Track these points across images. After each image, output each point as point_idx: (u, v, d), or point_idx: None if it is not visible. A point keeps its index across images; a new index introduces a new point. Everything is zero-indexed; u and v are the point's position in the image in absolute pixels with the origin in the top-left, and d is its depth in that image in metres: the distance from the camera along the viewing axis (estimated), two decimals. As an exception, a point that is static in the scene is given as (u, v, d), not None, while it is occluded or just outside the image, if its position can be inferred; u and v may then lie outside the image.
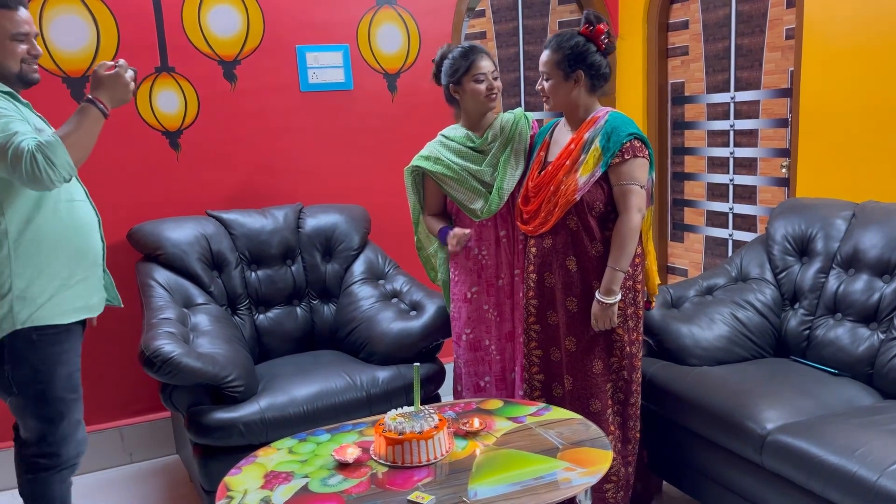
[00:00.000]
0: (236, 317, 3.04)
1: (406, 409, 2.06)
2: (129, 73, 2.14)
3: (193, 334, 2.69)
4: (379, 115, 3.58)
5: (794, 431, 2.14)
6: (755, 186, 3.55)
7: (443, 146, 2.69)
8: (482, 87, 2.59)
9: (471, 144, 2.65)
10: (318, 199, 3.46)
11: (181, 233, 3.00)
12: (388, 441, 1.95)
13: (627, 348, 2.39)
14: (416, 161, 2.70)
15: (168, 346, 2.46)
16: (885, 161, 2.85)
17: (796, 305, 2.77)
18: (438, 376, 2.89)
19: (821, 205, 2.87)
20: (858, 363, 2.51)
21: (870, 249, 2.59)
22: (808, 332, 2.70)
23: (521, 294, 2.69)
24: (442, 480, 1.87)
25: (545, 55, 2.39)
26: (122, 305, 2.52)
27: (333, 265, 3.24)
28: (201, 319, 2.79)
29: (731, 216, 3.71)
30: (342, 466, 1.96)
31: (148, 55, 3.14)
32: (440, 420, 2.03)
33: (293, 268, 3.20)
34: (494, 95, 2.62)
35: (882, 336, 2.48)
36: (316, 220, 3.27)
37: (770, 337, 2.76)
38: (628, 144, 2.28)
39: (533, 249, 2.48)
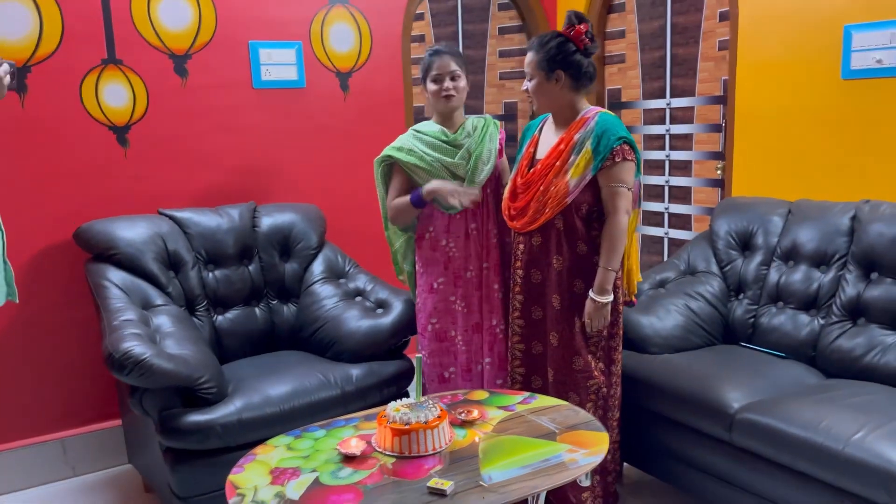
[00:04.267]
0: (195, 318, 2.94)
1: (406, 400, 2.08)
2: (4, 68, 2.02)
3: (158, 336, 2.59)
4: (331, 113, 3.56)
5: (760, 409, 2.31)
6: (690, 187, 3.78)
7: (416, 139, 2.73)
8: (437, 86, 2.67)
9: (445, 138, 2.71)
10: (270, 198, 3.41)
11: (135, 231, 2.88)
12: (394, 432, 1.96)
13: (605, 342, 2.49)
14: (387, 151, 2.73)
15: (138, 347, 2.37)
16: (813, 162, 3.12)
17: (741, 296, 2.98)
18: (409, 373, 2.91)
19: (759, 203, 3.10)
20: (802, 346, 2.73)
21: (807, 243, 2.83)
22: (753, 319, 2.91)
23: (493, 287, 2.76)
24: (452, 467, 1.90)
25: (528, 56, 2.46)
26: (17, 301, 2.36)
27: (292, 265, 3.19)
28: (163, 321, 2.69)
29: (666, 216, 3.93)
30: (348, 459, 1.95)
31: (94, 46, 3.00)
32: (441, 410, 2.06)
33: (251, 267, 3.13)
34: (450, 95, 2.67)
35: (822, 321, 2.71)
36: (272, 219, 3.22)
37: (719, 325, 2.96)
38: (618, 148, 2.35)
39: (521, 246, 2.54)
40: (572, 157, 2.40)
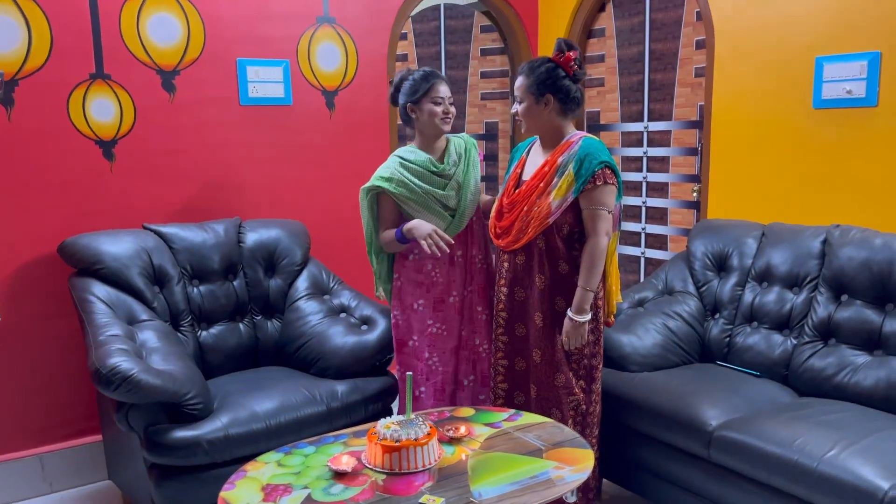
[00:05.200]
0: (179, 333, 2.94)
1: (396, 417, 2.11)
2: None
3: (144, 351, 2.59)
4: (317, 131, 3.60)
5: (737, 427, 2.39)
6: (666, 209, 3.88)
7: (403, 167, 2.73)
8: (439, 109, 2.71)
9: (434, 169, 2.73)
10: (255, 214, 3.43)
11: (121, 246, 2.88)
12: (384, 449, 2.00)
13: (587, 361, 2.56)
14: (375, 181, 2.72)
15: (125, 363, 2.38)
16: (785, 187, 3.23)
17: (717, 316, 3.07)
18: (393, 389, 2.94)
19: (733, 225, 3.20)
20: (775, 366, 2.82)
21: (780, 265, 2.93)
22: (728, 339, 3.00)
23: (477, 309, 2.81)
24: (442, 484, 1.94)
25: (518, 80, 2.54)
26: (0, 318, 2.33)
27: (277, 280, 3.21)
28: (148, 336, 2.69)
29: (643, 235, 4.03)
30: (339, 476, 1.98)
31: (82, 60, 3.01)
32: (431, 427, 2.09)
33: (235, 283, 3.15)
34: (448, 119, 2.75)
35: (794, 341, 2.81)
36: (257, 235, 3.24)
37: (696, 344, 3.04)
38: (600, 172, 2.43)
39: (506, 265, 2.61)
40: (555, 180, 2.48)
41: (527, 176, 2.60)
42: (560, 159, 2.49)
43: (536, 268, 2.53)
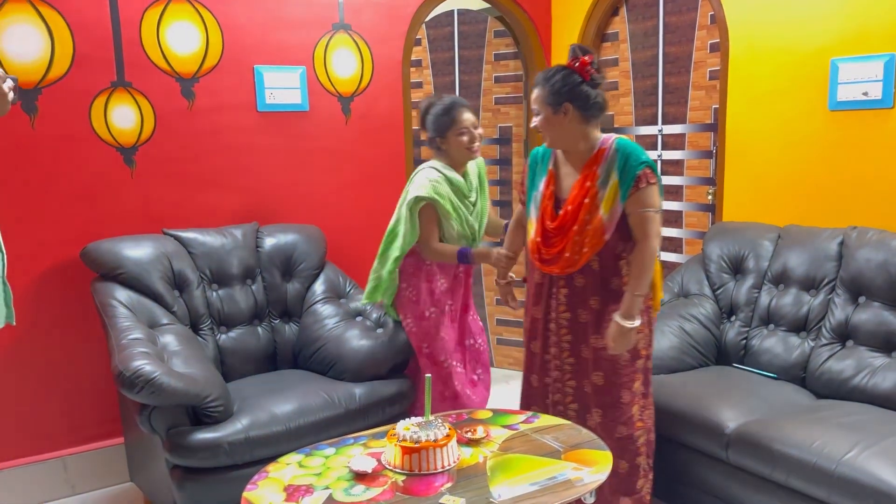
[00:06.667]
0: (199, 337, 2.98)
1: (415, 419, 2.14)
2: (8, 84, 2.04)
3: (165, 354, 2.63)
4: (333, 136, 3.63)
5: (755, 429, 2.40)
6: (681, 211, 3.88)
7: (448, 184, 2.83)
8: (465, 139, 2.83)
9: (466, 193, 2.89)
10: (272, 219, 3.46)
11: (141, 251, 2.92)
12: (404, 450, 2.02)
13: (645, 363, 2.49)
14: (430, 192, 2.77)
15: (148, 366, 2.41)
16: (801, 190, 3.23)
17: (733, 318, 3.07)
18: (409, 392, 2.96)
19: (749, 228, 3.21)
20: (792, 368, 2.82)
21: (797, 267, 2.93)
22: (745, 341, 3.00)
23: (471, 314, 3.05)
24: (462, 485, 1.96)
25: (535, 92, 2.43)
26: (14, 323, 2.32)
27: (294, 284, 3.24)
28: (170, 340, 2.73)
29: (658, 239, 4.03)
30: (360, 476, 2.00)
31: (104, 69, 3.06)
32: (450, 429, 2.11)
33: (253, 287, 3.18)
34: (477, 147, 2.86)
35: (812, 344, 2.81)
36: (275, 240, 3.27)
37: (713, 346, 3.04)
38: (641, 173, 2.32)
39: (564, 290, 2.48)
40: (601, 192, 2.37)
41: (564, 194, 2.47)
42: (600, 170, 2.38)
43: (591, 289, 2.43)
